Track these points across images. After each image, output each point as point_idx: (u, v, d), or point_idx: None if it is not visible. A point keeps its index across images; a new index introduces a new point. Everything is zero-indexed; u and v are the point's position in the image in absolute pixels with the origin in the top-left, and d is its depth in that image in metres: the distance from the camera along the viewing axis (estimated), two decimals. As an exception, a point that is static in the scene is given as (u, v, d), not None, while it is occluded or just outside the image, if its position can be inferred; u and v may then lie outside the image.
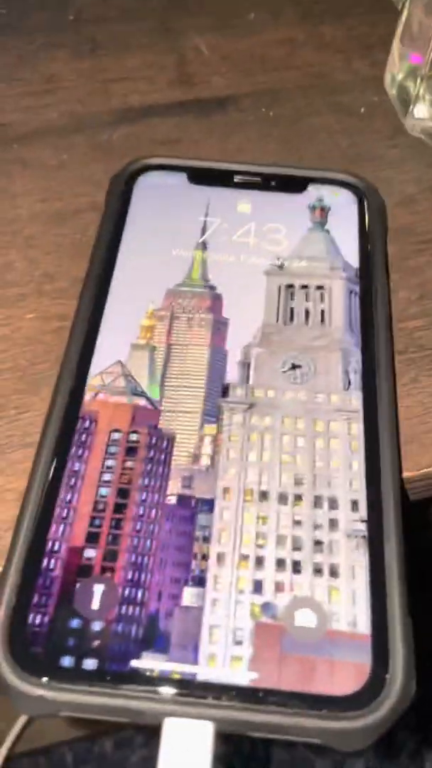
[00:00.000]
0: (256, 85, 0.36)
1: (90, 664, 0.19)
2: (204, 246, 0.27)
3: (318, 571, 0.20)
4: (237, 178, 0.29)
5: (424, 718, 0.60)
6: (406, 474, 0.23)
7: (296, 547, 0.21)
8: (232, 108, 0.35)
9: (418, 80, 0.33)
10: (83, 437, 0.22)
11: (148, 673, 0.19)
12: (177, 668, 0.19)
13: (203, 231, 0.28)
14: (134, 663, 0.19)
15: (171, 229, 0.28)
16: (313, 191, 0.29)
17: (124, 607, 0.19)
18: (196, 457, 0.22)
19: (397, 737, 0.66)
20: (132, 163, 0.30)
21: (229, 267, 0.27)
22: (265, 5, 0.40)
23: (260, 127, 0.34)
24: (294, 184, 0.29)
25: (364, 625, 0.19)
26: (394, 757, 0.67)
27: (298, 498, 0.22)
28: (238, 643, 0.19)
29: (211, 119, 0.34)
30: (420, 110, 0.33)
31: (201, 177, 0.29)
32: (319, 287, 0.26)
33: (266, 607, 0.20)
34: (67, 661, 0.19)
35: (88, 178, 0.31)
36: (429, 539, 0.29)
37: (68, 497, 0.21)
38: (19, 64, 0.36)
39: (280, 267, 0.27)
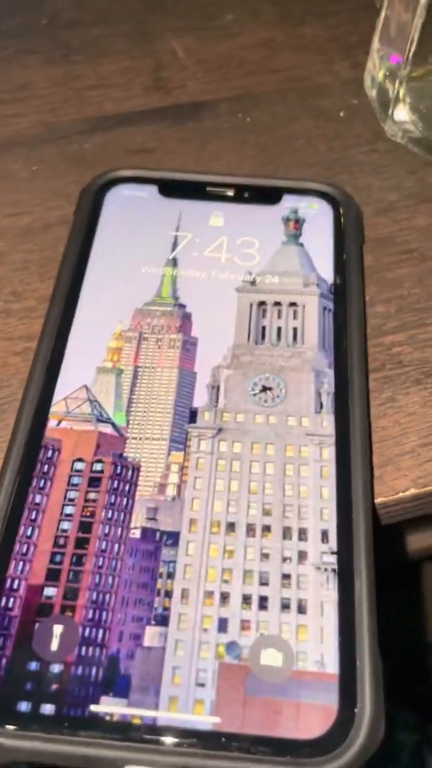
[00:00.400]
0: (234, 89, 0.35)
1: (48, 709, 0.18)
2: (174, 262, 0.27)
3: (285, 607, 0.19)
4: (209, 190, 0.28)
5: (424, 718, 0.59)
6: (380, 499, 0.23)
7: (263, 582, 0.20)
8: (209, 114, 0.34)
9: (397, 82, 0.32)
10: (46, 467, 0.22)
11: (107, 719, 0.18)
12: (137, 713, 0.18)
13: (174, 246, 0.27)
14: (93, 708, 0.18)
15: (141, 245, 0.27)
16: (287, 202, 0.28)
17: (84, 649, 0.19)
18: (161, 487, 0.22)
19: (397, 737, 0.66)
20: (101, 175, 0.29)
21: (200, 284, 0.26)
22: (244, 5, 0.39)
23: (237, 133, 0.33)
24: (268, 195, 0.28)
25: (331, 664, 0.18)
26: (393, 758, 0.66)
27: (267, 529, 0.21)
28: (201, 685, 0.18)
29: (187, 126, 0.33)
30: (400, 113, 0.32)
31: (172, 189, 0.29)
32: (292, 304, 0.25)
33: (231, 646, 0.19)
34: (24, 707, 0.18)
35: (59, 191, 0.31)
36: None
37: (29, 532, 0.20)
38: (-9, 71, 0.36)
39: (252, 283, 0.26)
